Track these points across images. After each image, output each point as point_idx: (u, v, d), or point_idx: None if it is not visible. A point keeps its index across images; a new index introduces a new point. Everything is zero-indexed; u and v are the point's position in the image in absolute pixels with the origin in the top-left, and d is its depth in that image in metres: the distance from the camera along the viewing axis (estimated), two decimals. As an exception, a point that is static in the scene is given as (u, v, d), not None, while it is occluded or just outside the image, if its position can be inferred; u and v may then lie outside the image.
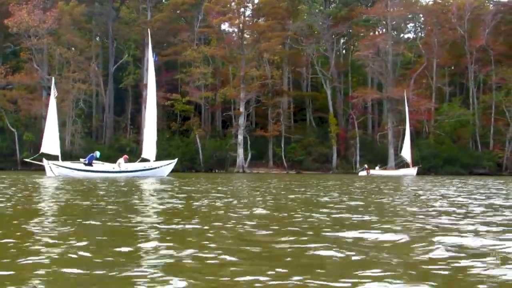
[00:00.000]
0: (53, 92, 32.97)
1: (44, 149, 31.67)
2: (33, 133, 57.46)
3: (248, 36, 60.34)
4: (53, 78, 37.41)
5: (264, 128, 62.80)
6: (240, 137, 55.71)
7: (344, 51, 66.61)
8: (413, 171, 51.21)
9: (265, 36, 55.03)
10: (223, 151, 57.57)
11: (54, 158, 31.75)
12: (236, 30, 54.97)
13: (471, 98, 63.85)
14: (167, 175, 31.61)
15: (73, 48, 55.91)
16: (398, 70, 66.38)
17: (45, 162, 30.45)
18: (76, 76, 53.42)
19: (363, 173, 50.98)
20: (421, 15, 66.68)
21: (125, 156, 33.78)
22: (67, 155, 54.53)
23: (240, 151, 55.43)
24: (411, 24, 67.00)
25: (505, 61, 62.89)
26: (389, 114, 59.25)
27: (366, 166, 52.58)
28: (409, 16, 64.04)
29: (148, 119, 33.26)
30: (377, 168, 53.26)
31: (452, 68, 67.76)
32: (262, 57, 60.50)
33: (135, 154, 53.82)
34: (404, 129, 60.59)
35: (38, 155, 31.70)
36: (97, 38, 64.99)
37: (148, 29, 40.22)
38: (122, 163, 31.96)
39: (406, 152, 53.20)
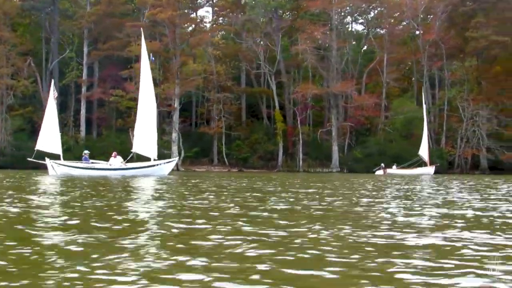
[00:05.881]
0: (53, 93, 32.88)
1: (39, 146, 31.54)
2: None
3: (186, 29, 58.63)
4: (52, 80, 36.94)
5: (209, 125, 61.25)
6: (175, 134, 53.98)
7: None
8: (430, 169, 49.25)
9: (200, 29, 53.24)
10: (159, 148, 55.79)
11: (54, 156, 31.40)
12: (167, 23, 52.90)
13: (424, 94, 61.77)
14: (168, 174, 31.10)
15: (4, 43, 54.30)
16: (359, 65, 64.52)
17: (47, 161, 30.06)
18: (4, 71, 51.97)
19: (379, 172, 49.09)
20: (371, 9, 64.54)
21: (114, 153, 33.00)
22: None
23: (174, 148, 53.71)
24: (361, 19, 64.80)
25: (458, 55, 60.83)
26: (332, 110, 57.28)
27: (382, 165, 50.64)
28: (357, 9, 61.92)
29: (145, 117, 31.99)
30: (394, 167, 51.31)
31: (405, 63, 65.68)
32: (206, 52, 58.85)
33: (72, 152, 52.77)
34: (350, 126, 58.84)
35: (36, 153, 30.91)
36: (41, 34, 63.33)
37: (141, 28, 37.96)
38: (119, 162, 31.55)
39: (424, 151, 51.26)
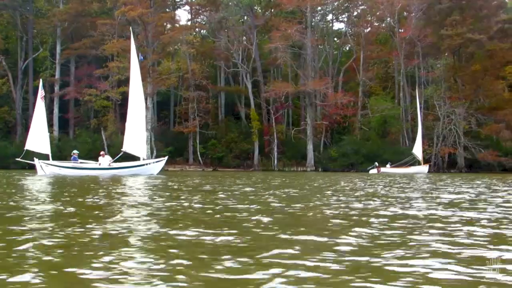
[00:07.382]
0: (40, 93, 32.59)
1: (28, 146, 31.34)
2: None
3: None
4: (41, 79, 36.70)
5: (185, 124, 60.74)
6: (147, 133, 53.32)
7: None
8: (424, 168, 48.95)
9: (176, 28, 52.71)
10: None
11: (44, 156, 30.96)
12: (139, 21, 52.34)
13: (401, 92, 61.46)
14: (157, 173, 30.49)
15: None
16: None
17: (36, 161, 29.71)
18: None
19: (373, 171, 48.80)
20: (353, 7, 64.14)
21: (102, 152, 32.75)
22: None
23: (147, 147, 53.05)
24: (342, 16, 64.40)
25: (435, 53, 60.48)
26: (307, 109, 56.85)
27: (376, 164, 50.43)
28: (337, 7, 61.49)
29: (135, 116, 31.53)
30: (388, 166, 51.02)
31: (387, 62, 65.25)
32: (180, 50, 58.30)
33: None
34: (326, 125, 58.42)
35: (25, 153, 30.71)
36: (16, 33, 62.63)
37: (131, 28, 37.42)
38: (107, 161, 30.96)
39: (418, 150, 50.90)
